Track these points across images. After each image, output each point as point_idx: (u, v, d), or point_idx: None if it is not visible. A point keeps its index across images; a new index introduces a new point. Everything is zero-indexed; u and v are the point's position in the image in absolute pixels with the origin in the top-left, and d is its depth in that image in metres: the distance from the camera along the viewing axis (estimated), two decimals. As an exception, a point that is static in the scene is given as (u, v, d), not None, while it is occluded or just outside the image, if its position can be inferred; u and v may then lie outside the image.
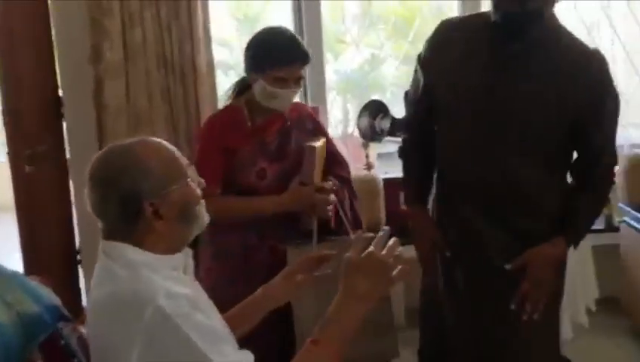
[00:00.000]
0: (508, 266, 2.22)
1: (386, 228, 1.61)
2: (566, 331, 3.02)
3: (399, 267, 1.54)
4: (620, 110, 2.21)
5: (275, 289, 1.92)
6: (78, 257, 3.77)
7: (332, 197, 2.55)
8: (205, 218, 1.66)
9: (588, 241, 3.13)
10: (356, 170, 3.79)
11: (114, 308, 1.49)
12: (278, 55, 2.46)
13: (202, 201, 1.65)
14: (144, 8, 3.47)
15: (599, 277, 3.48)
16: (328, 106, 4.06)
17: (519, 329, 2.25)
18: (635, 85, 4.26)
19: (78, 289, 3.63)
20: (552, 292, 2.28)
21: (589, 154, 2.23)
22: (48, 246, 3.58)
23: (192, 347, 1.42)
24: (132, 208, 1.53)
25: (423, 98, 2.38)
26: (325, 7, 4.13)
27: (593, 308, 3.13)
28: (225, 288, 2.34)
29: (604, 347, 3.36)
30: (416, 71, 2.41)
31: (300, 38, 2.60)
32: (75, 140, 3.70)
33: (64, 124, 3.69)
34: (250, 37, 2.62)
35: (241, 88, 2.68)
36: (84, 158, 3.46)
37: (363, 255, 1.54)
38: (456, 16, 2.43)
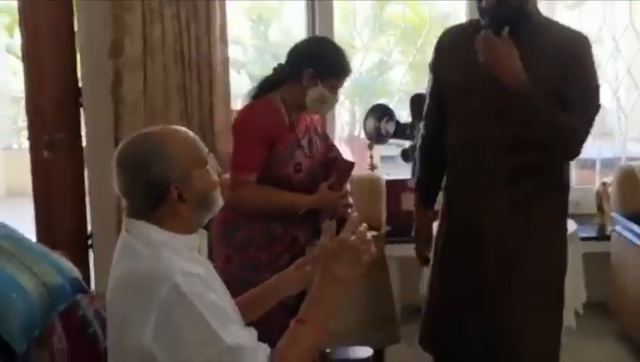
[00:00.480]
0: None
1: (355, 214, 1.75)
2: (581, 293, 3.23)
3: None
4: (599, 95, 2.32)
5: (288, 278, 2.04)
6: (90, 242, 3.93)
7: (351, 201, 2.77)
8: (220, 202, 1.79)
9: (579, 248, 3.25)
10: (360, 170, 3.94)
11: (134, 282, 1.62)
12: (346, 66, 2.70)
13: (219, 187, 1.78)
14: (164, 6, 3.62)
15: (590, 282, 3.60)
16: (336, 108, 4.20)
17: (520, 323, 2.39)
18: (635, 99, 4.38)
19: (88, 272, 3.77)
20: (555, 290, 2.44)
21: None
22: (62, 230, 3.72)
23: (205, 324, 1.54)
24: (159, 191, 1.65)
25: (435, 98, 2.56)
26: (337, 11, 4.27)
27: (581, 311, 3.26)
28: (248, 274, 2.49)
29: (592, 348, 3.50)
30: (429, 79, 2.60)
31: None
32: (92, 130, 3.84)
33: (82, 114, 3.84)
34: (307, 43, 2.89)
35: (272, 85, 2.79)
36: (100, 148, 3.73)
37: (335, 241, 1.70)
38: (457, 24, 2.59)
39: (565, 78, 2.25)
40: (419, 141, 2.73)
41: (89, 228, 3.94)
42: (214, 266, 1.85)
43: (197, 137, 1.76)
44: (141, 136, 1.74)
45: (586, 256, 3.66)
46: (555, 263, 2.45)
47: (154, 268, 1.61)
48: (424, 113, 2.71)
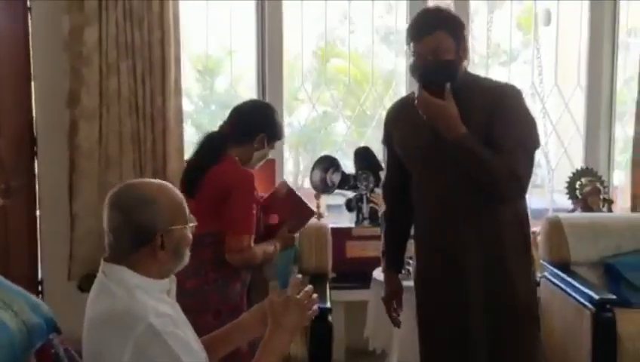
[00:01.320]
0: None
1: (299, 276, 2.07)
2: None
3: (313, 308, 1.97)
4: (535, 135, 2.52)
5: (246, 324, 2.13)
6: (40, 288, 4.00)
7: None
8: (187, 259, 1.95)
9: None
10: (308, 219, 4.13)
11: (110, 320, 1.75)
12: (281, 130, 3.01)
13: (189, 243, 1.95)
14: (121, 60, 3.80)
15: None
16: (282, 159, 4.39)
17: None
18: (561, 155, 4.71)
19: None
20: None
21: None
22: (15, 275, 3.73)
23: (175, 358, 1.71)
24: (145, 235, 1.82)
25: (392, 168, 2.78)
26: (286, 66, 4.51)
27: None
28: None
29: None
30: (383, 153, 2.82)
31: None
32: (46, 177, 3.96)
33: (36, 162, 3.95)
34: (255, 109, 3.00)
35: (221, 146, 2.88)
36: (54, 195, 3.82)
37: (283, 298, 1.94)
38: (400, 98, 2.83)
39: (498, 123, 2.45)
40: (383, 210, 2.93)
41: (39, 274, 4.01)
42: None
43: (182, 197, 1.94)
44: (140, 183, 1.93)
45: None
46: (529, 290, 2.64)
47: (129, 307, 1.75)
48: (382, 184, 2.93)
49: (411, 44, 2.52)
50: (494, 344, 2.55)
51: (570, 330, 3.47)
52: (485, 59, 4.75)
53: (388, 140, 2.76)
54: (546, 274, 3.81)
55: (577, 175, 4.32)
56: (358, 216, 4.19)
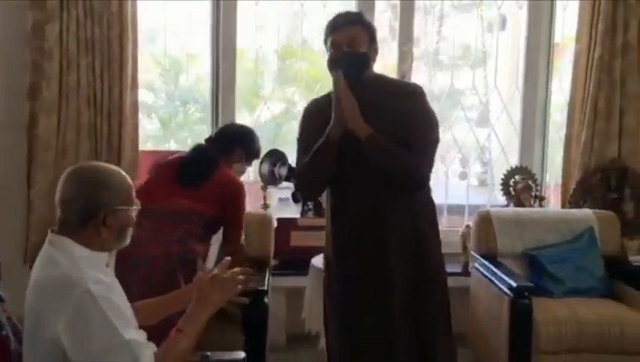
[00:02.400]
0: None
1: (228, 258, 2.27)
2: None
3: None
4: (438, 131, 2.81)
5: (177, 297, 2.42)
6: (-2, 272, 4.19)
7: None
8: (128, 240, 2.17)
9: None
10: (254, 208, 4.36)
11: (53, 284, 1.97)
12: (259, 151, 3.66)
13: (132, 227, 2.17)
14: (81, 56, 4.01)
15: (455, 315, 4.09)
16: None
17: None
18: (498, 154, 4.97)
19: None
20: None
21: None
22: (-27, 258, 3.97)
23: (108, 321, 1.91)
24: (91, 210, 2.03)
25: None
26: (247, 64, 4.73)
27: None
28: None
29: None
30: (297, 147, 2.97)
31: None
32: (4, 166, 4.15)
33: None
34: (237, 128, 3.66)
35: (215, 155, 3.41)
36: (12, 183, 4.00)
37: (210, 275, 2.19)
38: (319, 96, 3.03)
39: (405, 120, 2.72)
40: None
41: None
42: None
43: (132, 184, 2.16)
44: (96, 164, 2.19)
45: (451, 290, 4.16)
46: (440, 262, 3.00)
47: (71, 274, 1.97)
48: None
49: (329, 39, 2.78)
50: (411, 303, 2.83)
51: (493, 316, 3.73)
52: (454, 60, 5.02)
53: (303, 133, 2.94)
54: (475, 264, 4.06)
55: (511, 173, 4.58)
56: (303, 208, 4.43)
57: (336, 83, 2.69)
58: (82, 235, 2.05)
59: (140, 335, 2.02)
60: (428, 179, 2.82)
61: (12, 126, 4.10)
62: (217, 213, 3.24)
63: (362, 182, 2.81)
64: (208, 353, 2.42)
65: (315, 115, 2.90)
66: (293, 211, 4.58)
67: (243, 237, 3.45)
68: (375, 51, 2.82)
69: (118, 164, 4.06)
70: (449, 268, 4.25)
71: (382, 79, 2.89)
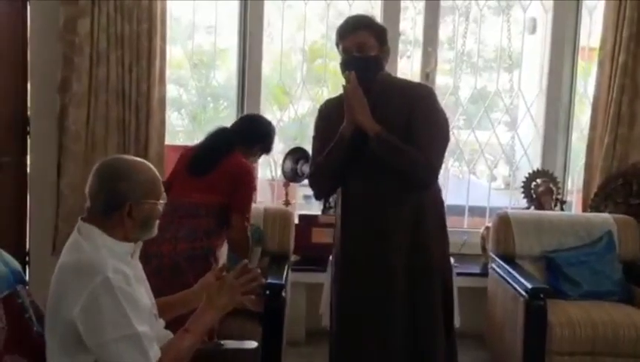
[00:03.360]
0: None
1: (245, 261, 2.30)
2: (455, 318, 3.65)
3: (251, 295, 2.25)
4: (447, 130, 2.87)
5: (188, 296, 2.46)
6: (27, 258, 4.31)
7: None
8: (155, 231, 2.24)
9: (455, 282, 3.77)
10: (277, 204, 4.44)
11: (75, 269, 2.05)
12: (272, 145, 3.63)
13: (158, 220, 2.22)
14: (110, 51, 4.11)
15: (473, 315, 4.14)
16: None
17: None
18: (521, 157, 4.99)
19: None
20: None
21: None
22: (2, 246, 4.07)
23: (122, 311, 1.99)
24: (117, 203, 2.10)
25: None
26: (277, 62, 4.81)
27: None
28: None
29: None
30: (313, 144, 3.04)
31: None
32: (36, 156, 4.28)
33: (29, 142, 4.27)
34: (262, 125, 3.64)
35: (232, 141, 3.44)
36: (43, 173, 4.14)
37: (219, 280, 2.24)
38: (334, 97, 3.09)
39: (414, 119, 2.78)
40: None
41: (27, 246, 4.33)
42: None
43: (160, 178, 2.23)
44: (122, 157, 2.24)
45: (470, 290, 4.22)
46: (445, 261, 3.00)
47: (93, 261, 2.05)
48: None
49: (340, 44, 2.85)
50: (414, 303, 2.87)
51: (509, 317, 3.76)
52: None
53: (319, 132, 3.01)
54: (493, 265, 4.09)
55: (533, 176, 4.59)
56: (325, 205, 4.49)
57: (347, 82, 2.76)
58: (107, 225, 2.12)
59: (151, 331, 2.08)
60: (435, 177, 2.86)
61: (44, 118, 4.23)
62: (225, 200, 3.25)
63: (366, 177, 2.88)
64: (222, 341, 2.51)
65: (330, 114, 2.96)
66: (316, 208, 4.65)
67: (249, 228, 3.34)
68: (386, 52, 2.89)
69: (145, 157, 4.15)
70: (468, 269, 4.38)
71: (392, 80, 2.96)
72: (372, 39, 2.83)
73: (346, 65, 2.82)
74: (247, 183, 3.32)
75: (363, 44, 2.82)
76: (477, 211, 4.95)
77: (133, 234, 2.17)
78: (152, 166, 2.23)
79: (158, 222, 2.22)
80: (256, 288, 2.26)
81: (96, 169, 2.16)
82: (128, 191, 2.11)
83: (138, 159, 2.24)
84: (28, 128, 4.27)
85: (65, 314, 2.02)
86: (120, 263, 2.09)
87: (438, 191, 2.97)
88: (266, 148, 3.59)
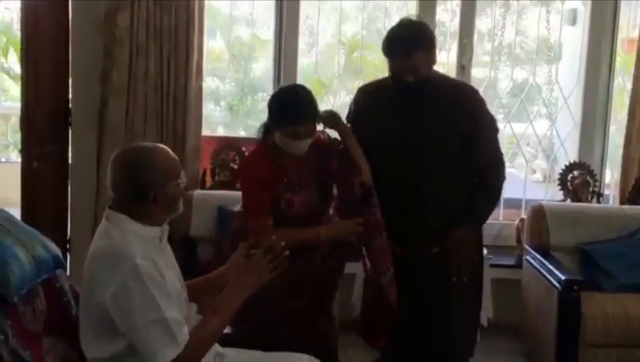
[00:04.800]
0: (434, 250, 2.98)
1: (273, 237, 2.30)
2: (489, 309, 3.77)
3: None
4: (496, 127, 3.05)
5: (217, 278, 2.50)
6: (68, 246, 4.42)
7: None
8: (181, 208, 2.30)
9: (489, 273, 3.78)
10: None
11: (105, 255, 2.12)
12: (283, 117, 2.86)
13: (183, 196, 2.29)
14: (150, 42, 4.19)
15: (506, 307, 4.14)
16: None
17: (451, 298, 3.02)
18: (558, 149, 4.97)
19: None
20: (474, 265, 3.06)
21: (480, 161, 3.02)
22: (45, 234, 4.18)
23: (150, 297, 2.04)
24: (141, 192, 2.16)
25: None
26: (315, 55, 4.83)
27: (485, 324, 3.73)
28: None
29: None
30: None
31: (308, 96, 2.87)
32: (77, 146, 4.38)
33: (70, 131, 4.37)
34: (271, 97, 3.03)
35: (269, 129, 3.00)
36: (84, 162, 4.24)
37: (246, 258, 2.27)
38: (372, 82, 3.18)
39: (474, 118, 2.89)
40: None
41: (69, 233, 4.44)
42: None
43: (175, 156, 2.27)
44: (138, 146, 2.32)
45: (504, 282, 4.22)
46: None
47: (122, 247, 2.11)
48: None
49: (389, 60, 2.89)
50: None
51: (542, 309, 3.76)
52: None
53: (355, 119, 3.08)
54: (527, 257, 4.08)
55: (569, 168, 4.56)
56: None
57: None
58: (135, 212, 2.18)
59: (180, 315, 2.12)
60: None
61: (85, 109, 4.32)
62: None
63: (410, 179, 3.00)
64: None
65: (363, 101, 3.00)
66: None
67: (255, 225, 2.92)
68: (434, 57, 2.90)
69: (183, 149, 4.26)
70: (503, 261, 4.37)
71: (439, 79, 3.00)
72: (424, 57, 2.82)
73: (400, 91, 2.85)
74: (241, 184, 3.19)
75: (417, 68, 2.81)
76: (513, 203, 4.92)
77: (161, 217, 2.23)
78: (166, 148, 2.26)
79: (181, 200, 2.26)
80: (284, 264, 2.26)
81: (114, 160, 2.20)
82: (151, 180, 2.15)
83: (153, 145, 2.30)
84: (69, 119, 4.36)
85: (97, 299, 2.09)
86: (149, 249, 2.14)
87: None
88: (271, 118, 2.93)
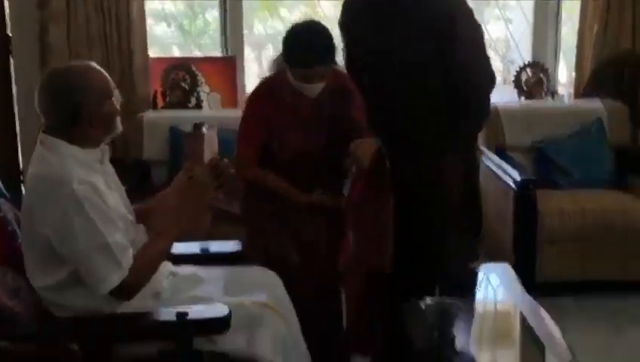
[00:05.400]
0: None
1: (226, 160, 2.24)
2: None
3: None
4: (481, 38, 2.68)
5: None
6: (21, 177, 4.34)
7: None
8: (119, 128, 2.21)
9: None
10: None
11: (42, 183, 2.05)
12: (296, 59, 2.65)
13: (119, 115, 2.19)
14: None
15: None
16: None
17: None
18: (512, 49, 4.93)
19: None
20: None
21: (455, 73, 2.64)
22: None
23: (91, 222, 1.99)
24: (74, 114, 2.06)
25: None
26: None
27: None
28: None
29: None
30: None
31: (322, 38, 2.66)
32: (20, 75, 4.24)
33: (12, 61, 4.23)
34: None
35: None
36: (29, 91, 4.07)
37: (189, 177, 2.20)
38: None
39: (441, 23, 2.58)
40: None
41: (21, 165, 4.35)
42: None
43: (107, 74, 2.17)
44: (66, 67, 2.18)
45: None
46: None
47: (59, 174, 2.04)
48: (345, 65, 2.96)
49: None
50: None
51: (500, 210, 3.78)
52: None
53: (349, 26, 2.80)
54: (484, 159, 4.08)
55: (523, 68, 4.54)
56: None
57: None
58: (71, 135, 2.09)
59: (123, 240, 2.07)
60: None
61: (26, 36, 4.15)
62: None
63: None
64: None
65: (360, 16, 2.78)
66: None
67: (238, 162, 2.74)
68: None
69: (130, 70, 4.16)
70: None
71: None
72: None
73: None
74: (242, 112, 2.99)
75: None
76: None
77: (98, 138, 2.15)
78: (96, 66, 2.17)
79: (118, 118, 2.18)
80: (228, 183, 2.22)
81: (42, 84, 2.10)
82: (83, 100, 2.07)
83: (82, 63, 2.19)
84: (10, 48, 4.21)
85: (38, 229, 2.04)
86: (88, 172, 2.07)
87: None
88: (285, 56, 2.74)
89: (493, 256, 3.94)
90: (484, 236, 3.13)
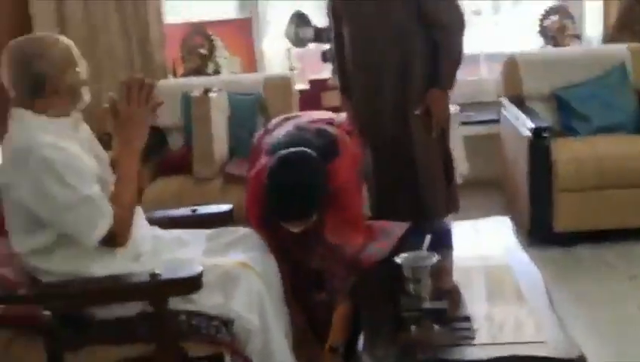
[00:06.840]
0: (417, 111, 2.97)
1: (137, 76, 2.19)
2: (462, 166, 3.81)
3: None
4: None
5: None
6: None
7: None
8: (87, 98, 2.21)
9: (460, 131, 3.76)
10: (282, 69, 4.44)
11: (12, 155, 2.09)
12: (272, 209, 2.42)
13: (86, 85, 2.21)
14: None
15: (486, 161, 4.10)
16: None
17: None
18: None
19: None
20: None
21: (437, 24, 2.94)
22: None
23: (66, 183, 2.01)
24: (37, 86, 2.09)
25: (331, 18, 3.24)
26: None
27: (460, 180, 3.68)
28: None
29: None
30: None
31: (303, 192, 2.37)
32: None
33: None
34: None
35: None
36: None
37: (119, 106, 2.14)
38: None
39: None
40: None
41: None
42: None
43: (71, 44, 2.19)
44: (27, 38, 2.19)
45: (484, 138, 4.18)
46: None
47: (26, 142, 2.06)
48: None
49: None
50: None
51: (517, 159, 3.71)
52: None
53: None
54: (503, 110, 3.99)
55: (548, 13, 4.38)
56: (333, 67, 4.40)
57: None
58: (38, 106, 2.12)
59: (102, 193, 2.09)
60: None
61: (45, 8, 4.22)
62: None
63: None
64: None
65: None
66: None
67: None
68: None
69: (147, 39, 4.22)
70: (484, 116, 4.29)
71: None
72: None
73: None
74: None
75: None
76: (497, 58, 4.76)
77: (65, 108, 2.17)
78: (59, 36, 2.18)
79: (84, 88, 2.19)
80: (156, 101, 2.18)
81: (7, 56, 2.11)
82: (46, 70, 2.08)
83: (41, 34, 2.20)
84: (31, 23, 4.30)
85: (16, 199, 2.07)
86: (58, 139, 2.08)
87: None
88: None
89: (511, 207, 3.88)
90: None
